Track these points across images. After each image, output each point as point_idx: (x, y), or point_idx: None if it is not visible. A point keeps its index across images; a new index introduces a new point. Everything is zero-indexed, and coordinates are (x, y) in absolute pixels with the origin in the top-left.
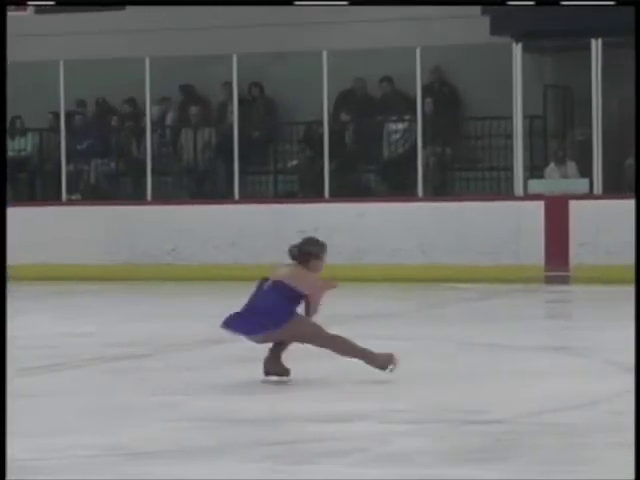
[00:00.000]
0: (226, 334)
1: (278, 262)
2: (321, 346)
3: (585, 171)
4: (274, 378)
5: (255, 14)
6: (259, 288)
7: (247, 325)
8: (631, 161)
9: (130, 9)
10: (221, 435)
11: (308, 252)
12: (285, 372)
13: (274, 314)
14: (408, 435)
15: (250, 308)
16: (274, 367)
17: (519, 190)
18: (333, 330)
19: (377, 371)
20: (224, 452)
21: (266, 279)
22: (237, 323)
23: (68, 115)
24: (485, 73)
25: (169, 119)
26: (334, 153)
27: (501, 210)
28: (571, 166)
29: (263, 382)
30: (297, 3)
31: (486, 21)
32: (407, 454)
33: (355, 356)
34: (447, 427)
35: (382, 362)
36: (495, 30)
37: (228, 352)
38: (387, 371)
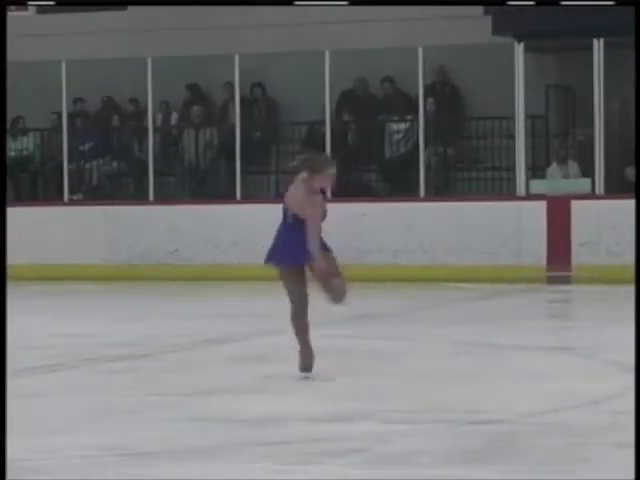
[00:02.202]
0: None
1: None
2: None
3: (587, 171)
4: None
5: (256, 14)
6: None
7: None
8: (630, 169)
9: (132, 9)
10: (221, 435)
11: (310, 167)
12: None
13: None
14: (408, 435)
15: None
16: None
17: (521, 190)
18: (333, 330)
19: (378, 372)
20: (224, 452)
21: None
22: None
23: (70, 115)
24: (487, 73)
25: (172, 120)
26: (336, 153)
27: (503, 210)
28: (573, 166)
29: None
30: (297, 3)
31: (488, 21)
32: (407, 454)
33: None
34: (447, 427)
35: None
36: (497, 30)
37: (228, 352)
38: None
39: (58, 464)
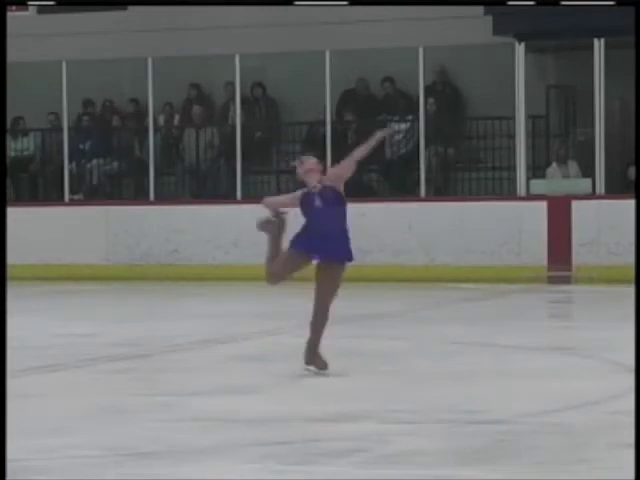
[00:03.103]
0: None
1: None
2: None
3: (587, 171)
4: (312, 369)
5: (257, 14)
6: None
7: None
8: (634, 169)
9: (132, 9)
10: (221, 435)
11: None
12: (324, 366)
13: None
14: (408, 435)
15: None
16: (314, 359)
17: (521, 190)
18: (333, 330)
19: (378, 372)
20: (224, 452)
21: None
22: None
23: (71, 115)
24: (487, 73)
25: (175, 120)
26: (336, 153)
27: (503, 210)
28: (573, 166)
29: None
30: (297, 3)
31: (488, 21)
32: (407, 454)
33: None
34: (447, 427)
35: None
36: (497, 30)
37: (228, 352)
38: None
39: (58, 464)
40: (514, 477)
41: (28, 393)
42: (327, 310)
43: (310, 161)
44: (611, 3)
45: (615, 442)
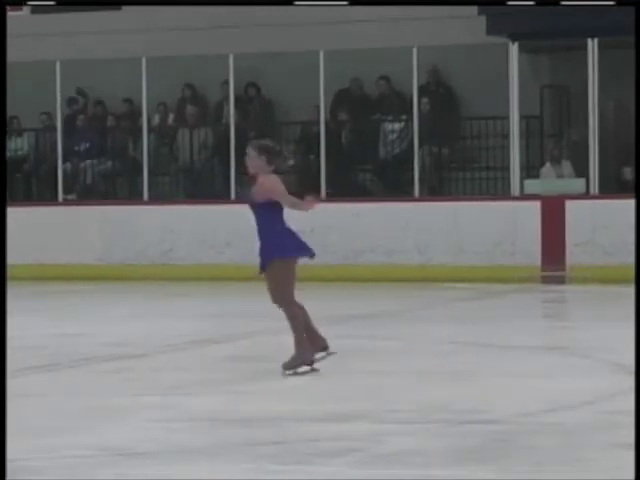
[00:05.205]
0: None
1: None
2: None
3: (581, 171)
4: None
5: (252, 14)
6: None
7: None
8: (628, 168)
9: (126, 9)
10: (218, 435)
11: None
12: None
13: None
14: (406, 435)
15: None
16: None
17: (515, 190)
18: (328, 330)
19: (374, 371)
20: (221, 452)
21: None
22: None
23: (69, 115)
24: (481, 73)
25: (169, 120)
26: (330, 153)
27: (497, 210)
28: (566, 165)
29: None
30: (297, 3)
31: (482, 21)
32: (405, 454)
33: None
34: (445, 427)
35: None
36: (491, 30)
37: (225, 352)
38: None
39: (57, 464)
40: (513, 477)
41: (26, 393)
42: (292, 303)
43: None
44: (611, 3)
45: (615, 442)
